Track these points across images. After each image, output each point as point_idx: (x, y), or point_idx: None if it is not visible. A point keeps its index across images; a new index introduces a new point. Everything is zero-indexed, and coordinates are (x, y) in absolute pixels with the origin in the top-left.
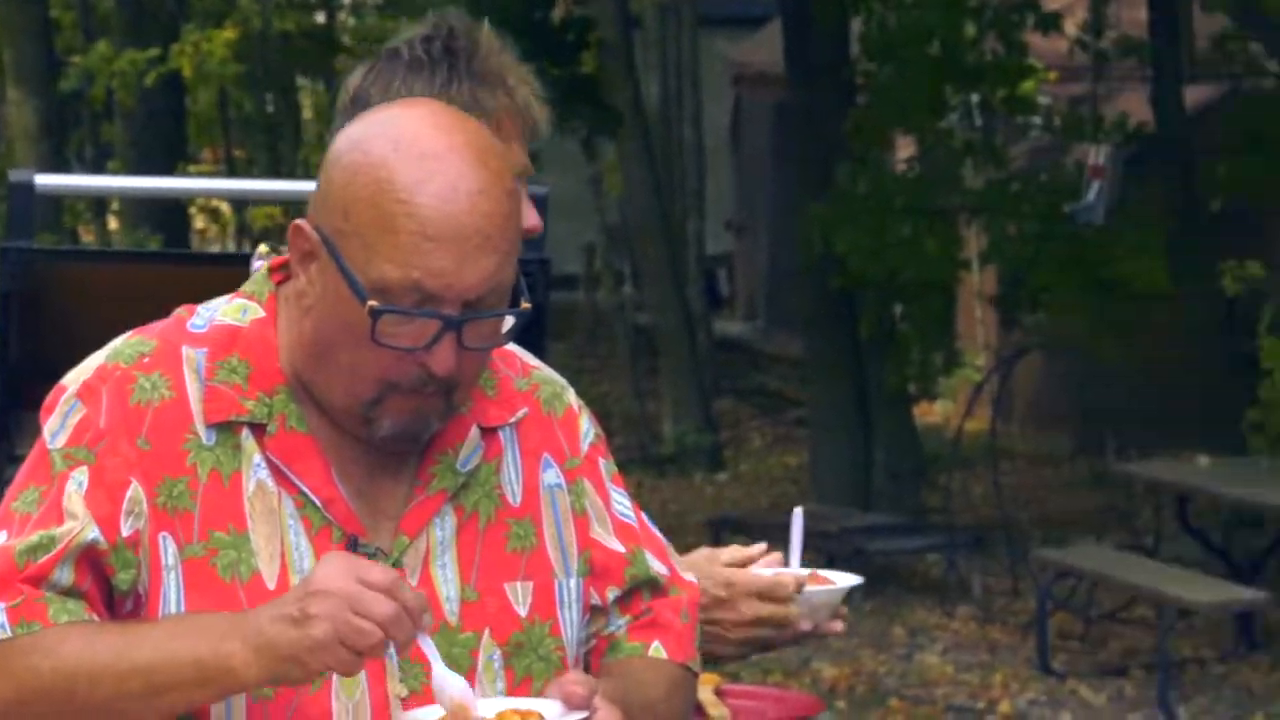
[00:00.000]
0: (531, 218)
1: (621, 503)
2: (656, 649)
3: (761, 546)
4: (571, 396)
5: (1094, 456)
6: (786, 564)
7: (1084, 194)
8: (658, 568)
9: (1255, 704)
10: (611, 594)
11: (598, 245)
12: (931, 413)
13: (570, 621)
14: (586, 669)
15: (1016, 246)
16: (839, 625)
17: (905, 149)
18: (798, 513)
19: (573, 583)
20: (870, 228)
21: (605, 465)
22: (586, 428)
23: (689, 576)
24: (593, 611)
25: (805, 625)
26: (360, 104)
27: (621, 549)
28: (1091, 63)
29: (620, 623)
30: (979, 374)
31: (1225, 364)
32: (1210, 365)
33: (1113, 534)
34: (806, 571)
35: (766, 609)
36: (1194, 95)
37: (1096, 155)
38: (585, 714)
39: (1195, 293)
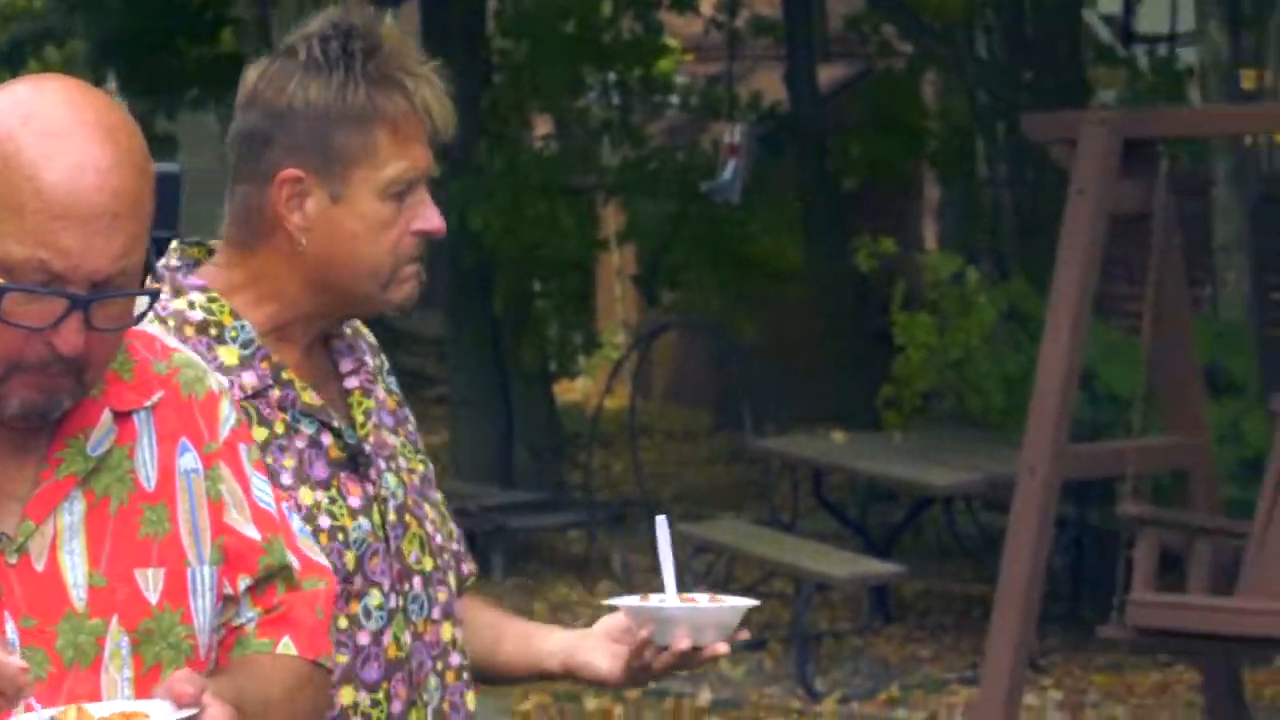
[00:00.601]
0: (434, 219)
1: (262, 490)
2: (286, 645)
3: None
4: (213, 380)
5: (732, 432)
6: (660, 575)
7: (720, 173)
8: (291, 558)
9: (890, 675)
10: (243, 582)
11: None
12: (572, 390)
13: (202, 610)
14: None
15: (654, 225)
16: (724, 648)
17: (542, 127)
18: (661, 522)
19: (206, 570)
20: (507, 205)
21: (246, 451)
22: (228, 412)
23: (324, 561)
24: (225, 600)
25: (684, 643)
26: (255, 104)
27: (257, 537)
28: (726, 42)
29: (251, 614)
30: (619, 351)
31: (860, 341)
32: (845, 342)
33: (750, 509)
34: (706, 597)
35: None
36: (827, 75)
37: (732, 134)
38: (194, 712)
39: (830, 270)
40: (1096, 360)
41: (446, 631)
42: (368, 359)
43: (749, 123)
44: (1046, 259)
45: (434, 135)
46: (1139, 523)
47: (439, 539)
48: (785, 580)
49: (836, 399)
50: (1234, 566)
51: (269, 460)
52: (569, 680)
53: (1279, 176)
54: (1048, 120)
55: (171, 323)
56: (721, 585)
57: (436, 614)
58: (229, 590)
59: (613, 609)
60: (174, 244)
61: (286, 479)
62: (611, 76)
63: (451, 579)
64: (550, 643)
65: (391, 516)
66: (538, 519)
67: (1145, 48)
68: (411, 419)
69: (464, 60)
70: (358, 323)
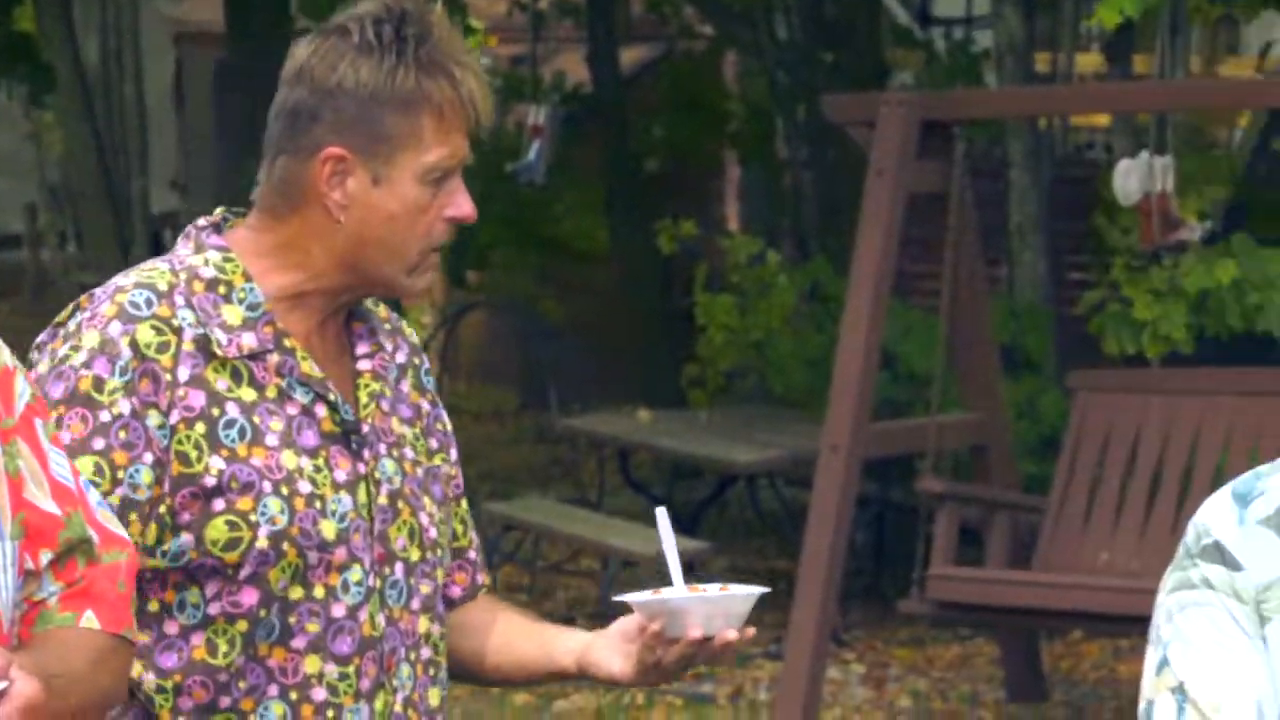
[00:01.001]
0: (466, 206)
1: (60, 465)
2: (89, 619)
3: None
4: (7, 356)
5: (539, 411)
6: (667, 568)
7: (524, 154)
8: (91, 532)
9: None
10: (45, 557)
11: (40, 204)
12: None
13: (4, 585)
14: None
15: None
16: (733, 634)
17: None
18: (662, 513)
19: (7, 546)
20: None
21: (42, 426)
22: (22, 388)
23: (123, 534)
24: (27, 575)
25: (695, 633)
26: (303, 79)
27: (57, 511)
28: (530, 24)
29: (53, 589)
30: (425, 331)
31: (664, 321)
32: (650, 322)
33: (557, 487)
34: (716, 586)
35: None
36: (630, 56)
37: (536, 115)
38: (2, 686)
39: (634, 250)
40: (896, 339)
41: (422, 624)
42: (400, 355)
43: (553, 104)
44: (847, 239)
45: (475, 125)
46: (938, 498)
47: (433, 533)
48: (592, 557)
49: (642, 378)
50: (1031, 540)
51: (255, 420)
52: (586, 680)
53: (1074, 158)
54: (847, 102)
55: (183, 276)
56: (529, 563)
57: (415, 605)
58: (30, 565)
59: (625, 607)
60: (219, 209)
61: (272, 440)
62: None
63: (439, 575)
64: (566, 642)
65: (382, 500)
66: None
67: (942, 31)
68: (444, 422)
69: (267, 41)
70: (404, 323)
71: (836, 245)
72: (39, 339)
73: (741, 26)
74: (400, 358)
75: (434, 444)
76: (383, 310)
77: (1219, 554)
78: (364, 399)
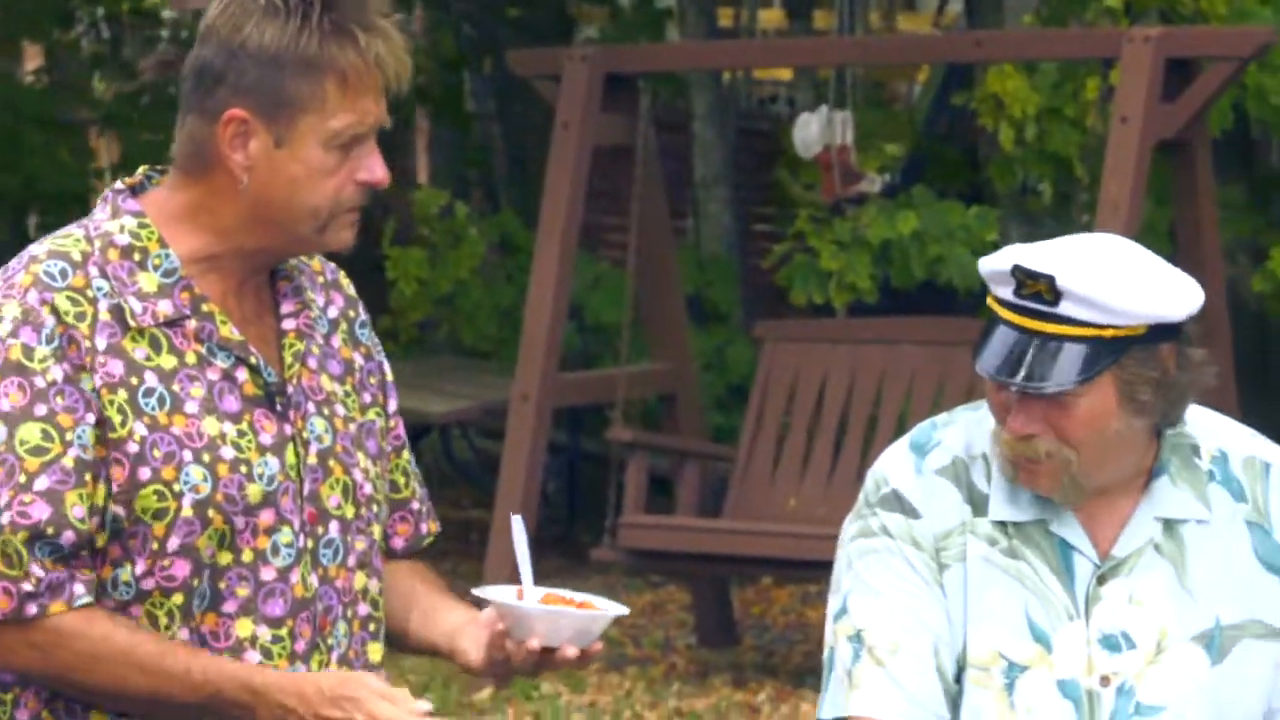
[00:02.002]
0: (378, 170)
1: None
2: None
3: None
4: None
5: None
6: (519, 577)
7: None
8: None
9: None
10: None
11: None
12: None
13: None
14: None
15: (149, 156)
16: (573, 652)
17: (34, 60)
18: (517, 521)
19: None
20: (3, 139)
21: None
22: None
23: None
24: None
25: (535, 643)
26: (210, 39)
27: None
28: None
29: None
30: None
31: (356, 273)
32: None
33: None
34: (582, 597)
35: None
36: None
37: None
38: None
39: None
40: (584, 290)
41: (359, 580)
42: (332, 310)
43: None
44: (535, 192)
45: (388, 88)
46: (628, 447)
47: (369, 489)
48: None
49: None
50: (721, 489)
51: (175, 388)
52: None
53: (757, 112)
54: (532, 56)
55: (98, 244)
56: None
57: (352, 561)
58: None
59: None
60: (141, 168)
61: (192, 407)
62: (100, 10)
63: (375, 530)
64: (445, 622)
65: (312, 459)
66: None
67: None
68: (380, 374)
69: None
70: (341, 274)
71: (525, 197)
72: None
73: None
74: (332, 312)
75: (367, 398)
76: (316, 263)
77: (897, 502)
78: (288, 359)
